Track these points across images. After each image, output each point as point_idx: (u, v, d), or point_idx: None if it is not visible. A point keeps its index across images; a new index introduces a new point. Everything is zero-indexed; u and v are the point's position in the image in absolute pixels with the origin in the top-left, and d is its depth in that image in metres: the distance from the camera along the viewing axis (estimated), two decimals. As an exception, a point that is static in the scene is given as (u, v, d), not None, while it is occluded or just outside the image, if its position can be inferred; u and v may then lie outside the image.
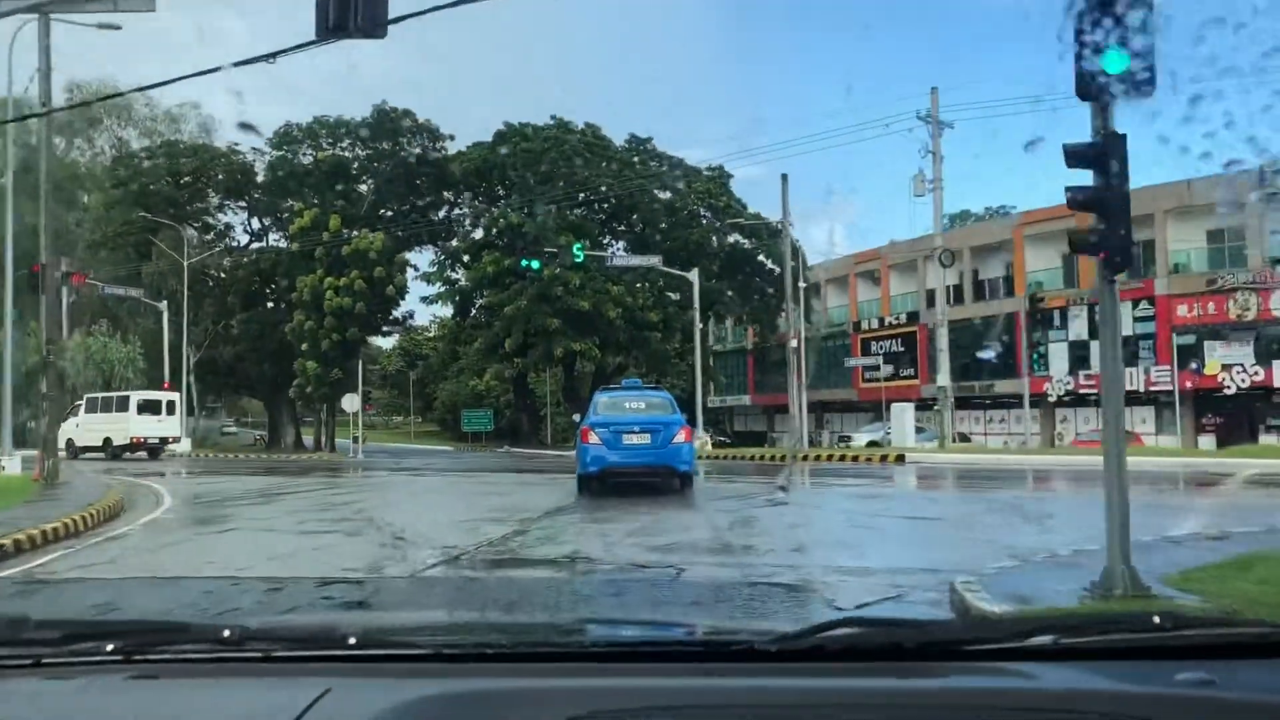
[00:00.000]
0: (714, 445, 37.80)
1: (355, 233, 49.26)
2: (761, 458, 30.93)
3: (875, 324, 58.54)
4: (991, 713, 1.30)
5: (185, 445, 44.36)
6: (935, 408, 33.32)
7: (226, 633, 1.56)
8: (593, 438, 16.07)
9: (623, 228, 51.74)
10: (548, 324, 42.85)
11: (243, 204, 58.56)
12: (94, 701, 1.42)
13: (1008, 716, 1.28)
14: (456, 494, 17.24)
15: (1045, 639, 1.47)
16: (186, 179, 55.03)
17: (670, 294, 48.59)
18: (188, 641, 1.57)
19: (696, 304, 36.75)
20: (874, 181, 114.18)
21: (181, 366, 50.36)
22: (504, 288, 45.08)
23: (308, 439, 57.98)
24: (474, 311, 51.66)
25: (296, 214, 51.09)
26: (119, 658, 1.51)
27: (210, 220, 59.27)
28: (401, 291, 49.80)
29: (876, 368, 50.58)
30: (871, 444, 43.58)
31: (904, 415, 33.29)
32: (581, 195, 48.08)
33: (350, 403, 45.53)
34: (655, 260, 37.58)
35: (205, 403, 73.24)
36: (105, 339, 50.77)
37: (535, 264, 35.40)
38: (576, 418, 21.17)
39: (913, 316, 56.18)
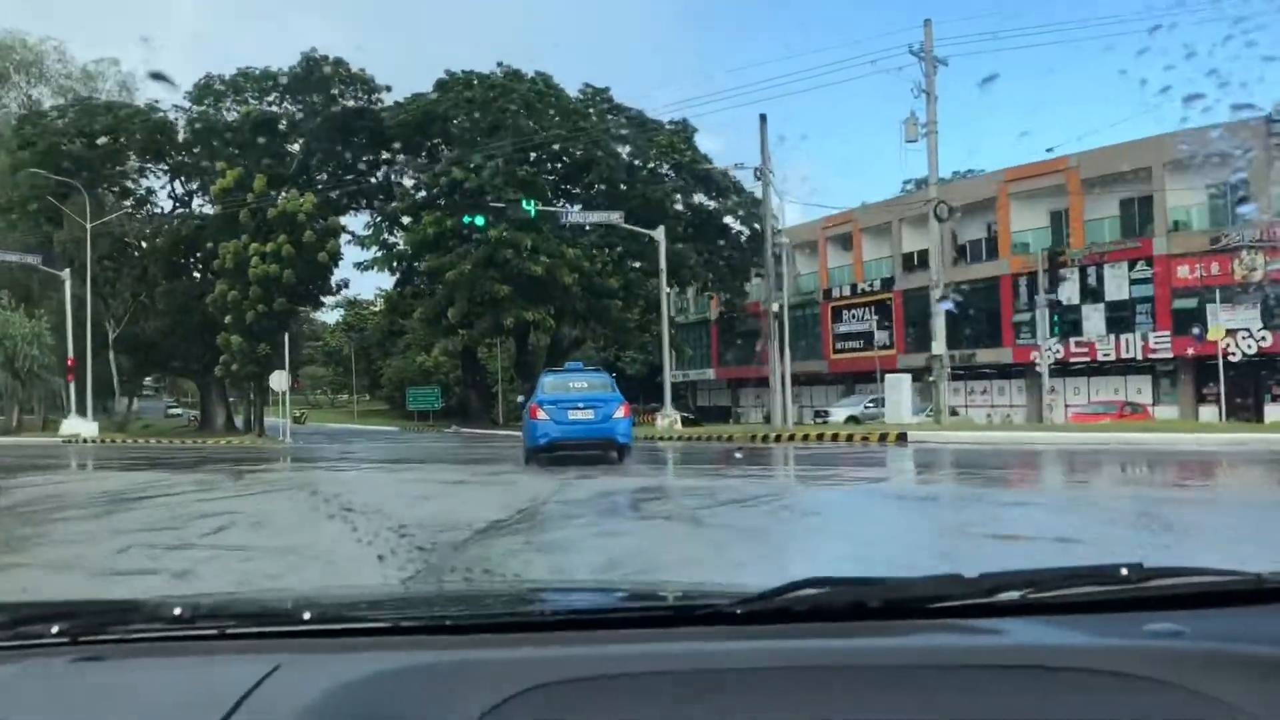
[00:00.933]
0: (684, 424, 33.95)
1: (283, 194, 45.01)
2: (743, 438, 26.98)
3: (847, 291, 55.11)
4: (959, 670, 1.27)
5: (91, 430, 39.81)
6: (930, 379, 29.71)
7: (178, 610, 1.51)
8: (541, 414, 17.71)
9: (577, 190, 47.59)
10: (496, 291, 38.61)
11: (164, 166, 54.18)
12: (37, 686, 1.36)
13: (975, 673, 1.26)
14: (369, 498, 13.24)
15: (1012, 595, 1.45)
16: (102, 139, 50.41)
17: (631, 261, 44.57)
18: (137, 621, 1.52)
19: (663, 264, 32.57)
20: (847, 143, 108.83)
21: (97, 342, 46.30)
22: (446, 251, 40.75)
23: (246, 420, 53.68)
24: (415, 279, 47.07)
25: (219, 174, 46.79)
26: (65, 640, 1.45)
27: (129, 184, 54.71)
28: (335, 257, 45.62)
29: (870, 335, 47.19)
30: (850, 419, 40.07)
31: (900, 387, 29.55)
32: (533, 153, 43.80)
33: (278, 381, 41.17)
34: (615, 217, 33.46)
35: (138, 382, 69.08)
36: (6, 312, 45.91)
37: (480, 221, 30.98)
38: (521, 399, 22.68)
39: (887, 283, 52.76)
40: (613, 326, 43.87)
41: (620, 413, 17.83)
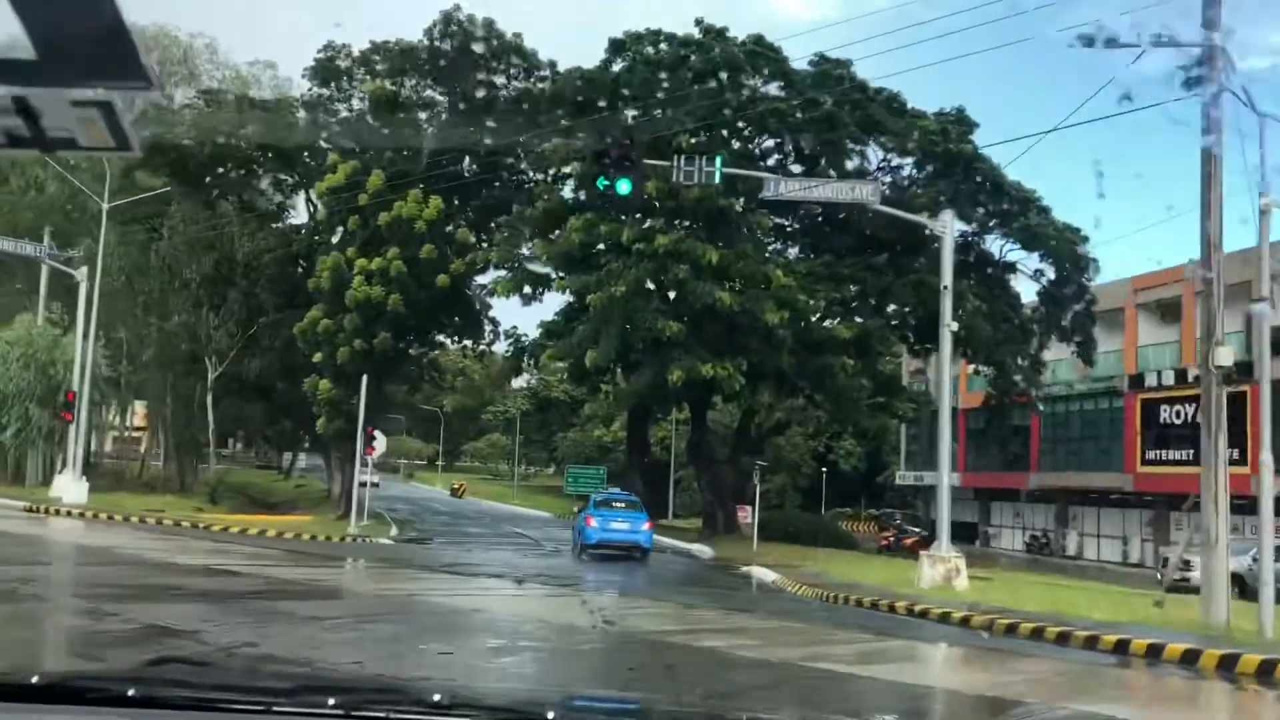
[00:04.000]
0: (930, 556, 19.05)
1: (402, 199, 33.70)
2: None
3: (1169, 379, 39.09)
4: None
5: (79, 494, 28.10)
6: None
7: (437, 696, 1.61)
8: (593, 522, 26.07)
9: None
10: (661, 328, 25.05)
11: (298, 175, 44.06)
12: None
13: None
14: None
15: None
16: (220, 140, 40.71)
17: (866, 306, 30.17)
18: (402, 703, 1.62)
19: (947, 277, 17.66)
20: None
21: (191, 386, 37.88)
22: (594, 268, 27.48)
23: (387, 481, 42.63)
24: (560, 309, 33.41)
25: (328, 169, 36.06)
26: (339, 713, 1.56)
27: (255, 195, 45.03)
28: (459, 282, 33.80)
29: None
30: (1238, 582, 24.05)
31: None
32: (735, 137, 30.25)
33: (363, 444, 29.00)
34: (869, 191, 19.07)
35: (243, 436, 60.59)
36: (56, 328, 36.02)
37: (625, 186, 17.31)
38: (576, 508, 26.95)
39: (1242, 368, 36.31)
40: (835, 399, 29.32)
41: (646, 526, 26.30)
